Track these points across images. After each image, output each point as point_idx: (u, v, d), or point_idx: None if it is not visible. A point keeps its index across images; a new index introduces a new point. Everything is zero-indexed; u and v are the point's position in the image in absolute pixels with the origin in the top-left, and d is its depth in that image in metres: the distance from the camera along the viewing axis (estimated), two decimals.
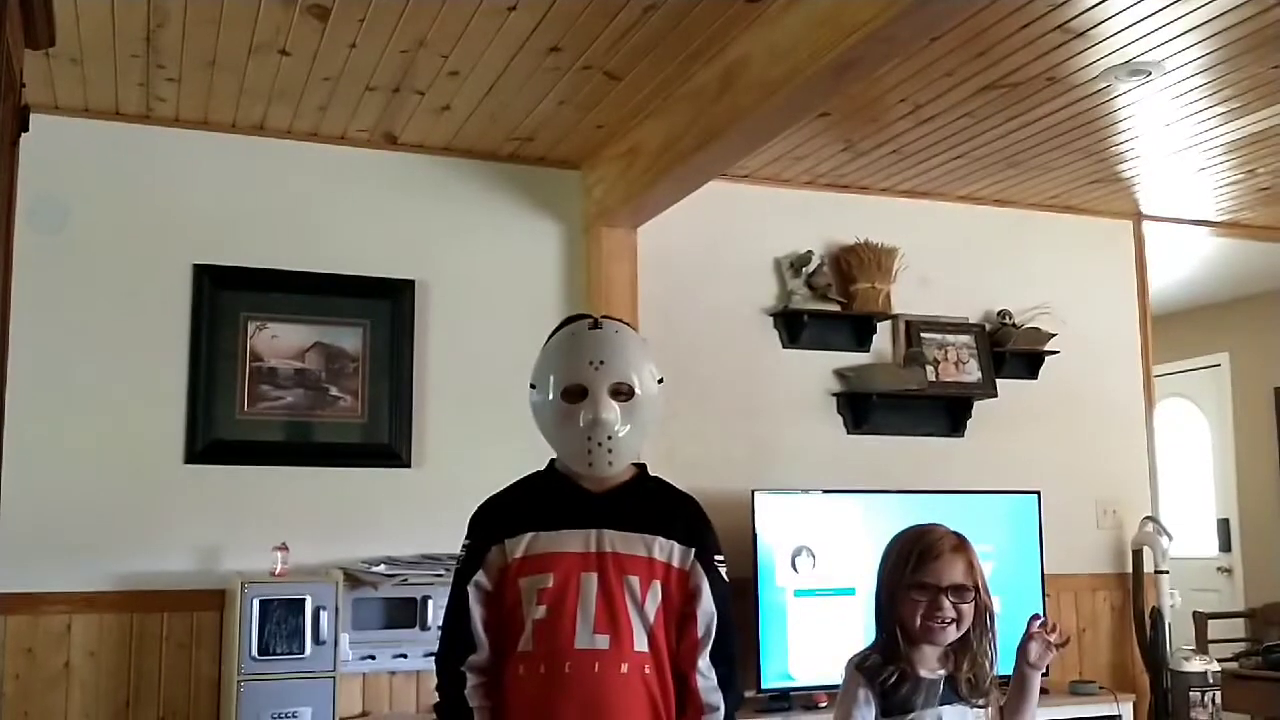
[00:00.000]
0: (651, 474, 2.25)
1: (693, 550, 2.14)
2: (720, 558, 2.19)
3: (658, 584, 2.09)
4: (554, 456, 2.21)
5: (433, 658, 3.85)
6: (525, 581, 2.08)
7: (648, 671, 2.06)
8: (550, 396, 2.12)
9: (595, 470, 2.11)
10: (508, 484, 2.24)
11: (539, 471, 2.23)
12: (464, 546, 2.16)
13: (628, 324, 2.27)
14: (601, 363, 2.10)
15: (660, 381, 2.18)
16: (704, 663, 2.11)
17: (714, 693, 2.10)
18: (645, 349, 2.21)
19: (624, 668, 2.04)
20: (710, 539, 2.19)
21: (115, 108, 3.94)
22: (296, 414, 4.10)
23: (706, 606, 2.12)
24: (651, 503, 2.18)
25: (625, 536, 2.10)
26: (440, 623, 2.20)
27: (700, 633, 2.12)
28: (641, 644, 2.06)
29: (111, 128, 3.99)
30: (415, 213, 4.32)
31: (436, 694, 2.14)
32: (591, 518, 2.11)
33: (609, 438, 2.07)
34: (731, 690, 2.13)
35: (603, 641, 2.04)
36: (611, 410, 2.07)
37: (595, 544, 2.09)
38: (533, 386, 2.18)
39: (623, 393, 2.10)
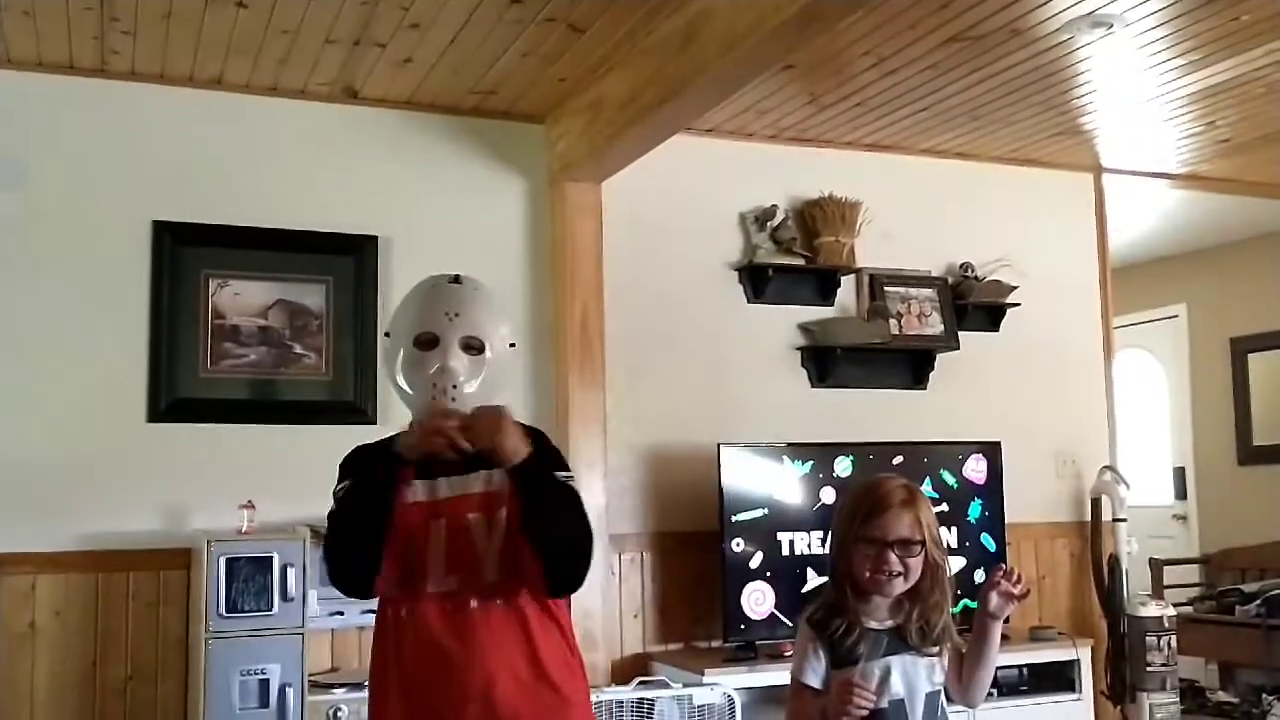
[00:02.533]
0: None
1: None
2: (565, 474, 2.14)
3: (502, 513, 2.11)
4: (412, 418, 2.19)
5: None
6: None
7: (501, 604, 2.11)
8: (403, 343, 2.16)
9: None
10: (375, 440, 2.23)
11: (401, 431, 2.20)
12: (344, 488, 2.14)
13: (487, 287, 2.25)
14: (456, 315, 2.14)
15: (513, 346, 2.21)
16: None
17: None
18: (503, 311, 2.25)
19: (474, 603, 2.09)
20: (547, 457, 2.12)
21: (70, 61, 3.86)
22: (260, 372, 4.07)
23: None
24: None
25: (463, 479, 2.14)
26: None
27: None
28: (491, 576, 2.10)
29: (66, 82, 3.92)
30: (377, 167, 4.28)
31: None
32: (432, 468, 2.12)
33: (454, 386, 2.10)
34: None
35: (453, 582, 2.10)
36: (460, 360, 2.11)
37: (433, 492, 2.13)
38: (387, 335, 2.22)
39: (474, 347, 2.14)
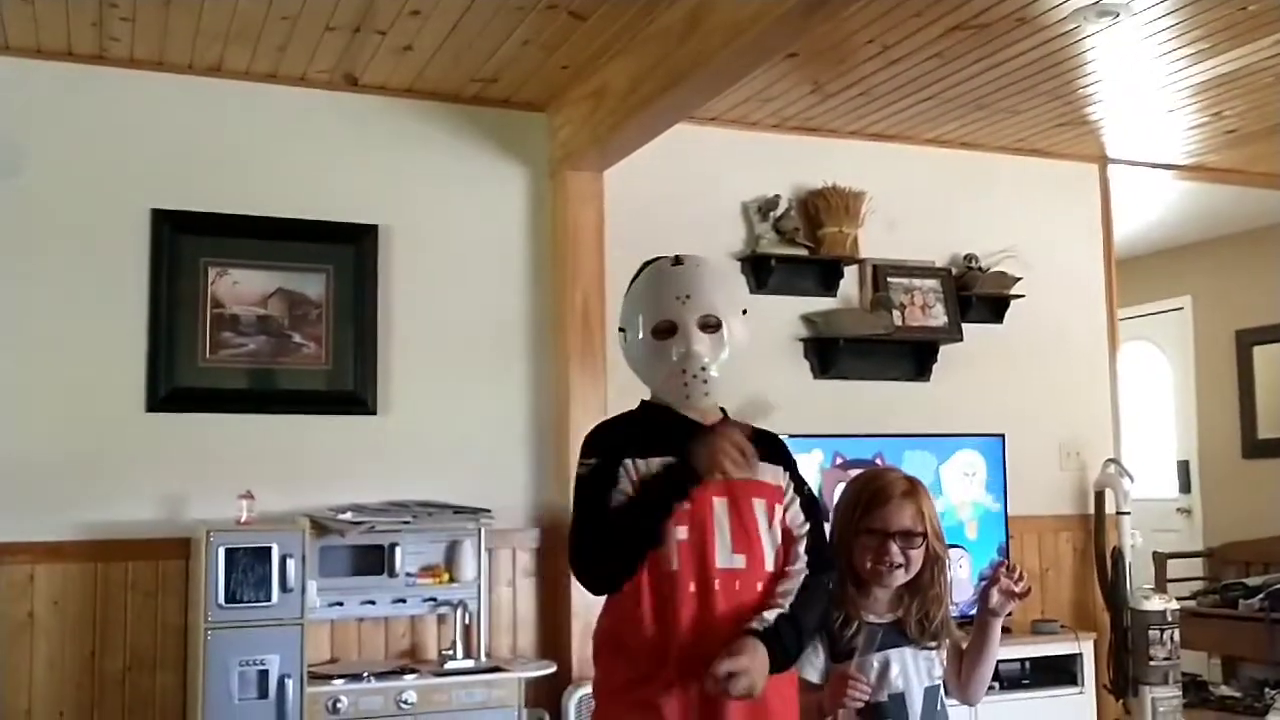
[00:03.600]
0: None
1: (792, 478, 2.21)
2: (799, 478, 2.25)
3: (779, 507, 2.15)
4: (644, 397, 2.23)
5: (401, 603, 3.80)
6: None
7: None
8: (641, 336, 2.17)
9: (692, 403, 2.15)
10: (611, 416, 2.26)
11: (635, 409, 2.24)
12: (590, 466, 2.13)
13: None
14: (688, 297, 2.14)
15: (745, 312, 2.21)
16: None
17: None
18: (727, 281, 2.26)
19: (759, 586, 2.10)
20: (796, 466, 2.25)
21: (68, 48, 3.84)
22: (260, 361, 4.05)
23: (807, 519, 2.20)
24: (755, 436, 2.20)
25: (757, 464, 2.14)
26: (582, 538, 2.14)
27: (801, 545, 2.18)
28: (770, 564, 2.12)
29: (65, 68, 3.89)
30: (377, 156, 4.25)
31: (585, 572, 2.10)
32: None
33: (702, 369, 2.12)
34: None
35: (740, 561, 2.09)
36: (702, 342, 2.12)
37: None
38: (621, 330, 2.22)
39: (710, 325, 2.14)
